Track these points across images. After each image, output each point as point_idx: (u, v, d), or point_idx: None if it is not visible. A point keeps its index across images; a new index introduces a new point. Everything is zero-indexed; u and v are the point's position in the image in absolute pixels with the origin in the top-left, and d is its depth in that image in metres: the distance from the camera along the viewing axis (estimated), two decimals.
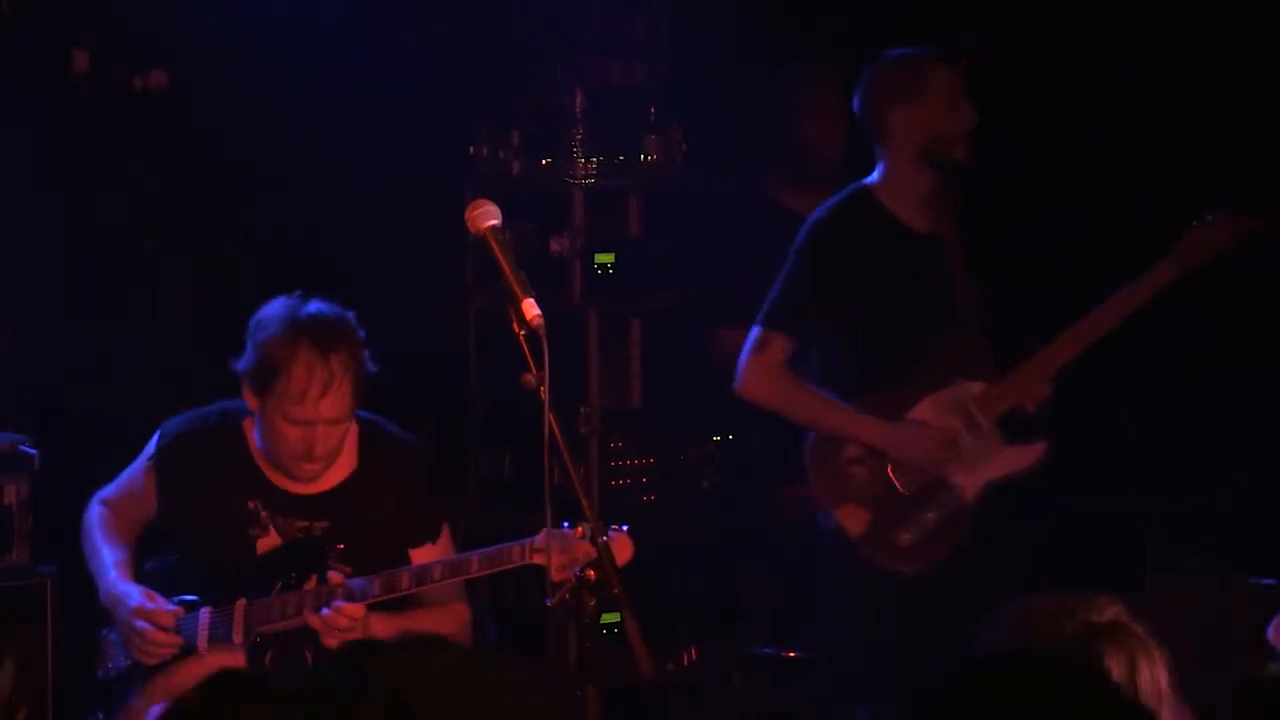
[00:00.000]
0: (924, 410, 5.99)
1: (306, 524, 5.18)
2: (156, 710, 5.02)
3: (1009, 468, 6.00)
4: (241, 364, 5.09)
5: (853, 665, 6.00)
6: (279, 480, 5.20)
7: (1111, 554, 6.80)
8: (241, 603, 5.10)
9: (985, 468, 5.99)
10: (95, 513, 5.34)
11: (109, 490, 5.36)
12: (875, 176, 6.03)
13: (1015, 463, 6.00)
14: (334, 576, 5.02)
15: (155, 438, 5.30)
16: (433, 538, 5.21)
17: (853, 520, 5.95)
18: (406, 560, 5.13)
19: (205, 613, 5.13)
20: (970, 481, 5.98)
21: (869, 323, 5.95)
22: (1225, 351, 6.85)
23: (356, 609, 4.91)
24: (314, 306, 5.06)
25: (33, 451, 6.12)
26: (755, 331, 5.99)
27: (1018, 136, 6.83)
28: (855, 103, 6.05)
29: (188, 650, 5.12)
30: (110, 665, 5.25)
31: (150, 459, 5.29)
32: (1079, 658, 2.89)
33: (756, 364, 5.98)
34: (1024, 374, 6.01)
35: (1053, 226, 6.96)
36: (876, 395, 5.98)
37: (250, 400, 5.10)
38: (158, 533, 5.34)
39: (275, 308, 5.09)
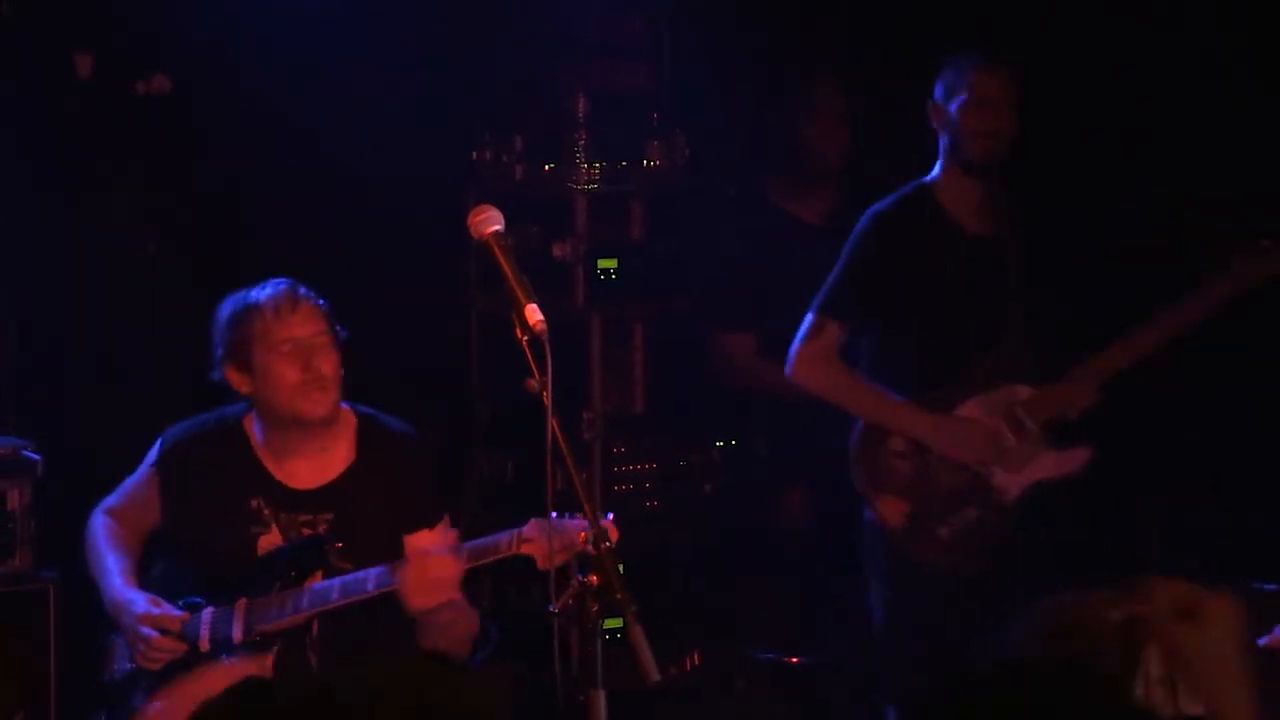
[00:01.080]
0: (971, 409, 6.03)
1: (310, 518, 5.22)
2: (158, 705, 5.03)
3: (1052, 472, 6.04)
4: (217, 361, 5.23)
5: (883, 663, 6.02)
6: (281, 475, 5.24)
7: (1112, 559, 6.80)
8: (243, 601, 5.13)
9: (1028, 470, 6.03)
10: (99, 522, 5.37)
11: (111, 500, 5.40)
12: (934, 174, 6.08)
13: (1059, 467, 6.04)
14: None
15: (156, 445, 5.35)
16: (429, 524, 5.24)
17: (892, 511, 5.98)
18: (402, 548, 5.16)
19: (207, 613, 5.16)
20: (1012, 483, 6.03)
21: (920, 319, 5.98)
22: (1225, 352, 6.84)
23: (451, 562, 4.94)
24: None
25: (35, 456, 6.13)
26: (809, 318, 6.01)
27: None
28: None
29: (191, 652, 5.13)
30: (115, 668, 5.27)
31: (152, 465, 5.34)
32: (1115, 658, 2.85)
33: (809, 350, 6.00)
34: (1072, 381, 6.04)
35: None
36: (925, 391, 6.02)
37: (240, 382, 5.21)
38: (160, 542, 5.36)
39: (222, 304, 5.29)
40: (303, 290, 5.24)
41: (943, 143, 6.03)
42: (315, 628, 5.13)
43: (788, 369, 6.04)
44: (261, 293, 5.23)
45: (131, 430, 5.69)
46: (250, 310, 5.20)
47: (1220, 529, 6.74)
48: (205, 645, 5.13)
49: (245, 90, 6.86)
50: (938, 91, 6.03)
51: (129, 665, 5.23)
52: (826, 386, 6.03)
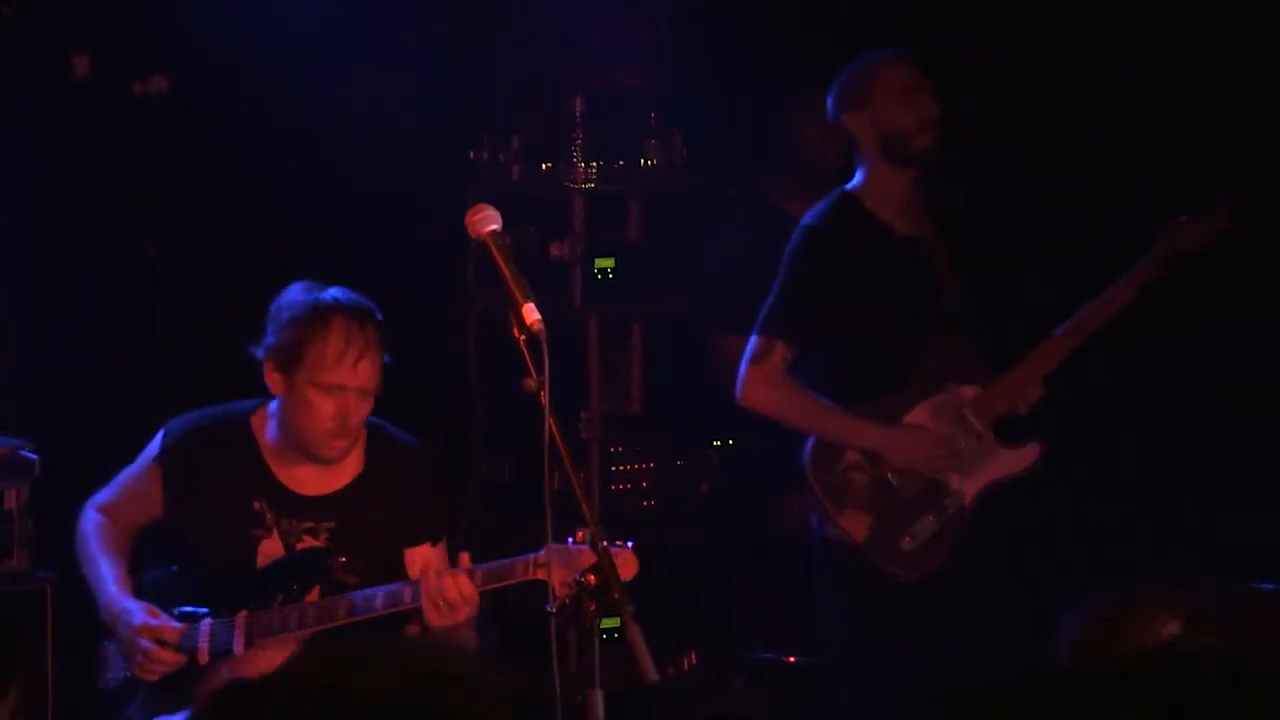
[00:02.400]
0: (919, 415, 6.01)
1: (312, 525, 5.19)
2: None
3: (1006, 470, 6.04)
4: (264, 346, 5.11)
5: (856, 671, 6.01)
6: (287, 480, 5.20)
7: (1110, 557, 6.80)
8: (243, 614, 5.09)
9: (982, 471, 6.03)
10: (91, 520, 5.31)
11: (104, 495, 5.33)
12: (856, 181, 6.07)
13: (1012, 465, 6.04)
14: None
15: (159, 437, 5.28)
16: (433, 540, 5.22)
17: (855, 526, 5.97)
18: (401, 561, 5.15)
19: (206, 624, 5.12)
20: (968, 485, 6.02)
21: (862, 328, 5.97)
22: (1224, 351, 6.85)
23: (468, 583, 4.88)
24: (335, 289, 5.13)
25: (33, 456, 6.12)
26: (754, 340, 6.00)
27: (1002, 134, 6.85)
28: (828, 113, 6.11)
29: (189, 663, 5.11)
30: (109, 675, 5.25)
31: (155, 458, 5.27)
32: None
33: (757, 372, 5.99)
34: (1016, 377, 6.04)
35: (1038, 225, 6.97)
36: (872, 400, 6.00)
37: (274, 382, 5.11)
38: (153, 542, 5.32)
39: (297, 290, 5.14)
40: (374, 329, 5.08)
41: (865, 150, 6.01)
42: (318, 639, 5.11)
43: (738, 393, 6.01)
44: (338, 311, 5.06)
45: (129, 430, 5.68)
46: (318, 328, 5.04)
47: (1218, 527, 6.74)
48: (204, 657, 5.10)
49: (243, 90, 6.86)
50: (843, 104, 6.02)
51: (123, 674, 5.21)
52: (777, 408, 6.01)
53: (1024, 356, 6.04)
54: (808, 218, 6.08)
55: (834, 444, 6.00)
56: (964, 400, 6.03)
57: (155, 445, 5.28)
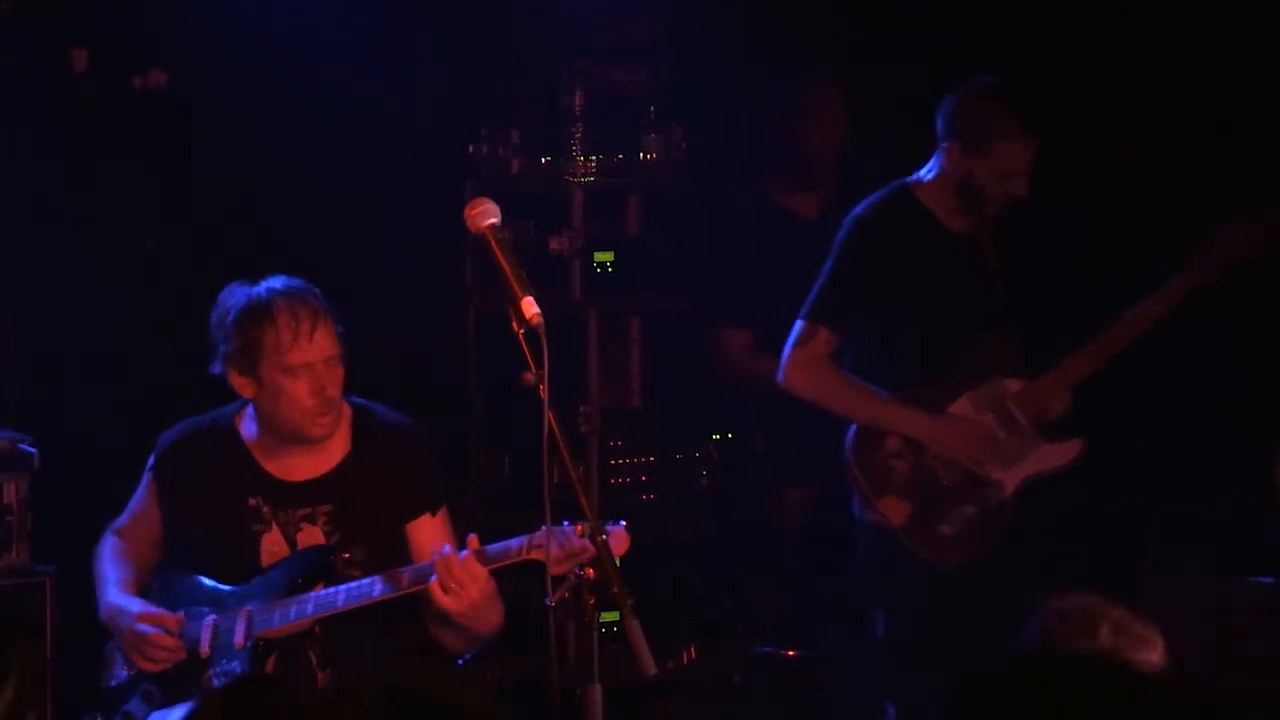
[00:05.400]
0: (963, 406, 6.05)
1: (309, 510, 5.20)
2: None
3: (1047, 464, 6.09)
4: (219, 357, 5.15)
5: (891, 657, 6.03)
6: (276, 471, 5.22)
7: (1111, 553, 6.80)
8: (246, 609, 5.10)
9: (1023, 464, 6.07)
10: (105, 543, 5.39)
11: (119, 520, 5.40)
12: (918, 175, 6.07)
13: (1053, 459, 6.09)
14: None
15: (153, 452, 5.34)
16: (431, 509, 5.23)
17: (895, 511, 6.00)
18: (404, 537, 5.17)
19: (210, 619, 5.13)
20: (1009, 477, 6.06)
21: (910, 318, 6.00)
22: (1223, 351, 6.84)
23: (472, 561, 4.88)
24: (266, 280, 5.16)
25: (32, 450, 6.12)
26: (799, 325, 6.03)
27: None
28: (944, 104, 6.03)
29: (191, 657, 5.12)
30: (114, 674, 5.25)
31: (150, 471, 5.33)
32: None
33: (800, 357, 6.02)
34: (1060, 373, 6.09)
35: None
36: (916, 390, 6.02)
37: (242, 386, 5.14)
38: (164, 551, 5.34)
39: (230, 293, 5.18)
40: (317, 299, 5.13)
41: (947, 166, 5.98)
42: (318, 629, 5.12)
43: (780, 376, 6.05)
44: (275, 297, 5.10)
45: (129, 425, 5.69)
46: (264, 319, 5.08)
47: (1218, 523, 6.74)
48: (206, 650, 5.11)
49: (242, 85, 6.86)
50: (960, 138, 5.97)
51: (126, 673, 5.21)
52: (819, 392, 6.04)
53: (1069, 354, 6.06)
54: (860, 208, 6.09)
55: (876, 430, 6.01)
56: (1008, 393, 6.07)
57: (150, 460, 5.34)
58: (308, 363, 5.08)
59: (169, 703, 5.13)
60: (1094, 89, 7.06)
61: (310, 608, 5.06)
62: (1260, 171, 6.60)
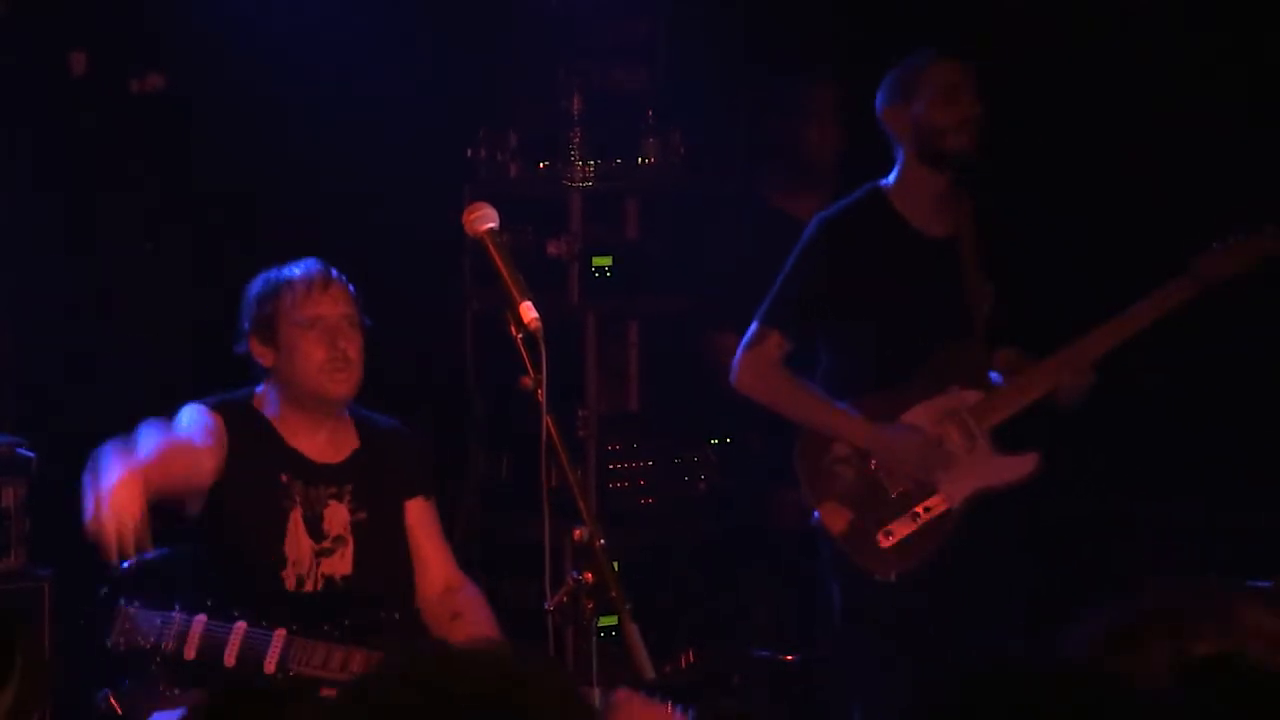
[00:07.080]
0: (917, 415, 5.97)
1: (335, 489, 5.26)
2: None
3: (1000, 478, 5.94)
4: (243, 334, 5.27)
5: (843, 665, 6.02)
6: (302, 448, 5.27)
7: (1108, 555, 6.80)
8: (281, 632, 5.00)
9: (974, 477, 5.94)
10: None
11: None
12: (889, 178, 6.03)
13: (1007, 473, 5.95)
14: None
15: (192, 405, 5.22)
16: (425, 494, 5.38)
17: (833, 518, 5.94)
18: (403, 511, 5.33)
19: (241, 627, 5.00)
20: (957, 490, 5.93)
21: (873, 325, 5.95)
22: (1222, 349, 6.84)
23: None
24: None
25: (30, 454, 6.12)
26: (753, 326, 6.00)
27: (1033, 141, 6.83)
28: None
29: (213, 663, 4.98)
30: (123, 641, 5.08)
31: (212, 409, 5.22)
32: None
33: (749, 358, 6.01)
34: (1019, 386, 5.98)
35: (1067, 234, 6.93)
36: (873, 397, 5.98)
37: (263, 355, 5.24)
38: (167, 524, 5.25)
39: (254, 282, 5.34)
40: (334, 272, 5.30)
41: (902, 147, 5.97)
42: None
43: (731, 377, 6.04)
44: (293, 270, 5.29)
45: (127, 429, 5.68)
46: (280, 285, 5.25)
47: (1216, 525, 6.74)
48: (231, 660, 4.97)
49: (240, 87, 6.86)
50: (890, 97, 5.97)
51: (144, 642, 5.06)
52: (767, 395, 6.02)
53: (1033, 366, 5.98)
54: (828, 210, 6.07)
55: (823, 435, 5.99)
56: (965, 404, 5.97)
57: (194, 407, 5.21)
58: (321, 315, 5.21)
59: (172, 705, 5.07)
60: (1094, 89, 7.07)
61: (354, 666, 5.00)
62: (1260, 171, 6.60)
